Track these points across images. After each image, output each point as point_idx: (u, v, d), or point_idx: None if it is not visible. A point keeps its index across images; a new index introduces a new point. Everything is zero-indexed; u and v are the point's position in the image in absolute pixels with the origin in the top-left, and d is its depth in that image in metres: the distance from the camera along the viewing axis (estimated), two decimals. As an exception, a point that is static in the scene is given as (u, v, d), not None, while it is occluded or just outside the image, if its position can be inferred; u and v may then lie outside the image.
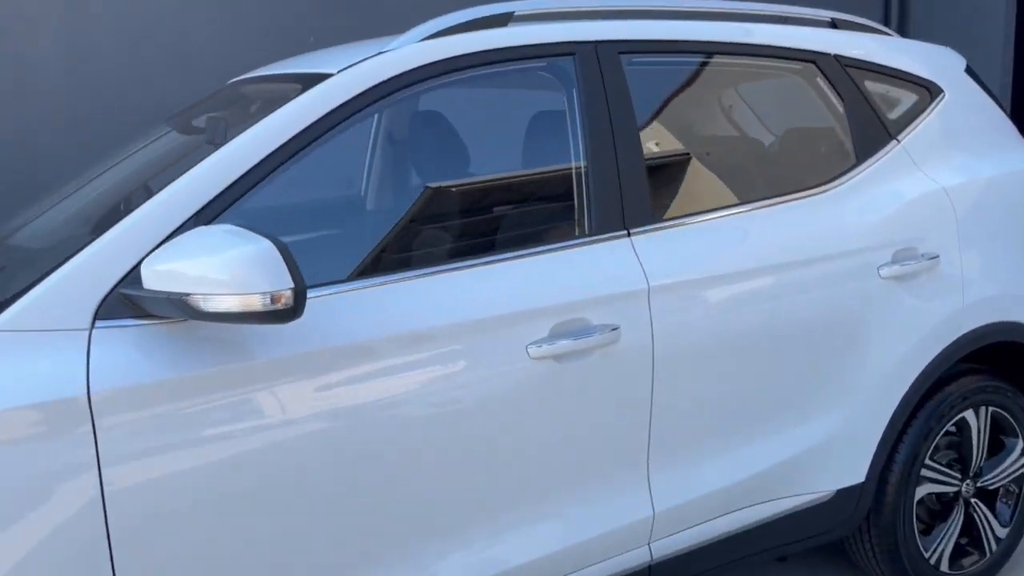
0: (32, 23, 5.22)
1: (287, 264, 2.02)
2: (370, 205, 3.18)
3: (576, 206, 2.72)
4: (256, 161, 2.33)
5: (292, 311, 2.03)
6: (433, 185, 2.80)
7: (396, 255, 2.62)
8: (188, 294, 2.02)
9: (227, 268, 2.01)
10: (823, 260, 2.95)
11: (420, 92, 2.65)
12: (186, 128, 3.07)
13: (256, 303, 2.00)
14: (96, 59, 5.22)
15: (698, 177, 3.03)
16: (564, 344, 2.52)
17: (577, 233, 2.70)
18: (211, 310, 2.02)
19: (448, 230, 2.72)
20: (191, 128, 3.06)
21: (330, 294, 2.31)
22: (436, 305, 2.40)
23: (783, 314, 2.88)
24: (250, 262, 2.01)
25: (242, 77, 3.24)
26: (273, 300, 2.00)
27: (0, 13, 5.06)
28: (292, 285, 2.01)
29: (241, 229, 2.07)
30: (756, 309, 2.83)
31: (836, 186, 3.07)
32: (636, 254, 2.68)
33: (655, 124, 3.00)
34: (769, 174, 3.17)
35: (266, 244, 2.02)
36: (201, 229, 2.13)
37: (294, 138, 2.38)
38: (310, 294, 2.26)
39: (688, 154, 3.08)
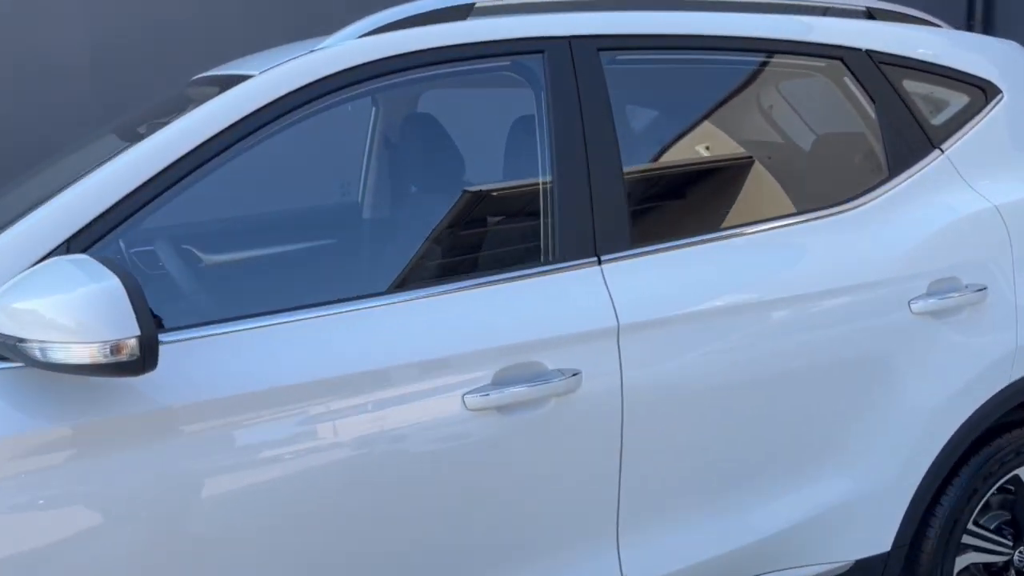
0: (57, 13, 5.09)
1: (135, 307, 1.69)
2: (282, 230, 2.83)
3: (540, 229, 2.33)
4: (146, 178, 2.02)
5: (140, 363, 1.70)
6: (365, 205, 2.45)
7: (311, 287, 2.28)
8: (23, 340, 1.72)
9: (66, 310, 1.70)
10: (841, 292, 2.50)
11: (360, 96, 2.29)
12: (130, 135, 2.78)
13: (96, 354, 1.68)
14: (120, 51, 5.07)
15: (694, 195, 2.62)
16: (510, 392, 2.14)
17: (541, 260, 2.32)
18: (49, 360, 1.71)
19: (378, 257, 2.36)
20: (135, 135, 2.77)
21: (222, 333, 1.98)
22: (352, 347, 2.05)
23: (789, 357, 2.45)
24: (91, 304, 1.69)
25: (201, 75, 2.94)
26: (114, 351, 1.68)
27: (24, 2, 4.94)
28: (137, 332, 1.68)
29: (92, 261, 1.76)
30: (754, 351, 2.41)
31: (863, 204, 2.61)
32: (606, 286, 2.28)
33: (643, 133, 2.59)
34: (782, 190, 2.74)
35: (112, 283, 1.70)
36: (54, 261, 1.83)
37: (194, 151, 2.06)
38: (192, 335, 1.94)
39: (682, 168, 2.66)
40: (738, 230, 2.49)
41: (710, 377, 2.35)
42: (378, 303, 2.11)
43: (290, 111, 2.16)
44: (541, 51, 2.38)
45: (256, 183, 2.35)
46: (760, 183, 2.68)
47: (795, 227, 2.53)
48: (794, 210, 2.58)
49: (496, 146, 2.50)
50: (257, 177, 2.28)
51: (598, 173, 2.34)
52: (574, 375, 2.20)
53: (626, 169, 2.40)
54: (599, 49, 2.42)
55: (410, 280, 2.26)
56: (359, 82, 2.24)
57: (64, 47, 5.01)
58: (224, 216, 2.53)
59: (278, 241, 2.68)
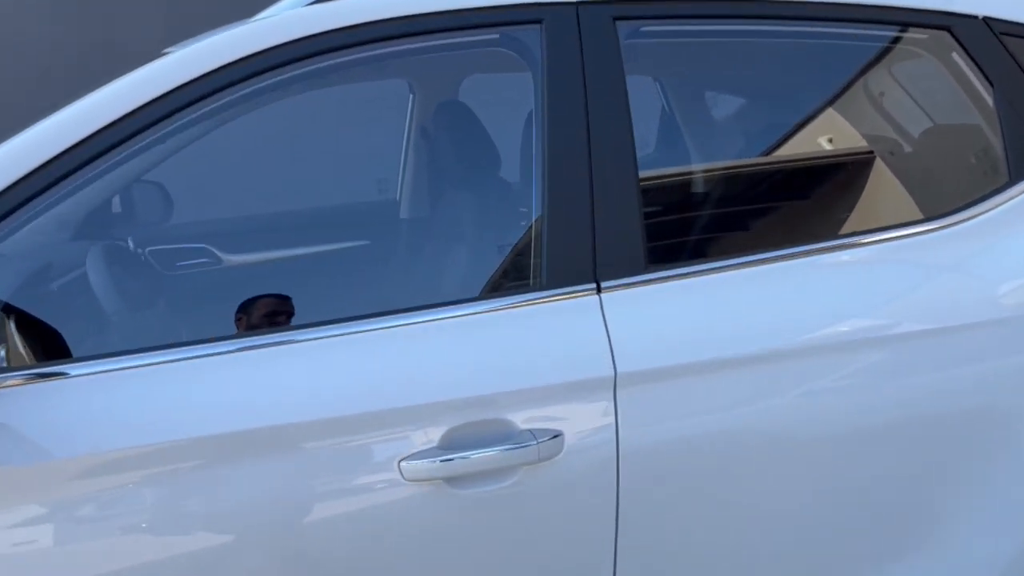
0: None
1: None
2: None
3: (531, 247, 1.84)
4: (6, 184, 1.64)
5: None
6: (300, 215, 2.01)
7: (208, 321, 1.86)
8: None
9: None
10: (931, 335, 1.90)
11: (303, 78, 1.86)
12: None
13: None
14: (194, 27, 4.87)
15: (738, 206, 2.06)
16: (464, 459, 1.66)
17: (531, 286, 1.82)
18: None
19: (308, 282, 1.92)
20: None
21: (107, 370, 1.59)
22: (248, 396, 1.61)
23: (857, 416, 1.87)
24: None
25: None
26: None
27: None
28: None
29: None
30: (802, 411, 1.84)
31: (968, 218, 1.99)
32: (604, 322, 1.76)
33: (674, 128, 2.05)
34: (856, 198, 2.14)
35: None
36: None
37: (71, 150, 1.67)
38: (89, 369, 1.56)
39: (721, 172, 2.10)
40: (798, 249, 1.92)
41: (740, 444, 1.79)
42: (293, 338, 1.66)
43: (206, 96, 1.74)
44: (539, 20, 1.88)
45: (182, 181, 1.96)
46: (834, 190, 2.10)
47: (875, 247, 1.94)
48: (878, 224, 1.99)
49: (470, 145, 2.00)
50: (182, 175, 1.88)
51: (604, 176, 1.82)
52: (553, 438, 1.69)
53: (644, 173, 1.88)
54: (616, 18, 1.90)
55: (344, 311, 1.80)
56: (301, 59, 1.80)
57: (136, 21, 4.83)
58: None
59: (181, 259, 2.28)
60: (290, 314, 1.91)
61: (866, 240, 1.95)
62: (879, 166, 2.27)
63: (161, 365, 1.61)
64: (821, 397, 1.86)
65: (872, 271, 1.92)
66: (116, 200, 2.44)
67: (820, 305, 1.87)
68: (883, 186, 2.24)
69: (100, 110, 1.70)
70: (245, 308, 1.89)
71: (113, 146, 1.68)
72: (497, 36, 1.92)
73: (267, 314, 1.89)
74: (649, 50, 1.98)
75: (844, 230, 2.21)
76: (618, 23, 1.89)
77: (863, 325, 1.89)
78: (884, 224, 2.00)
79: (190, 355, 1.60)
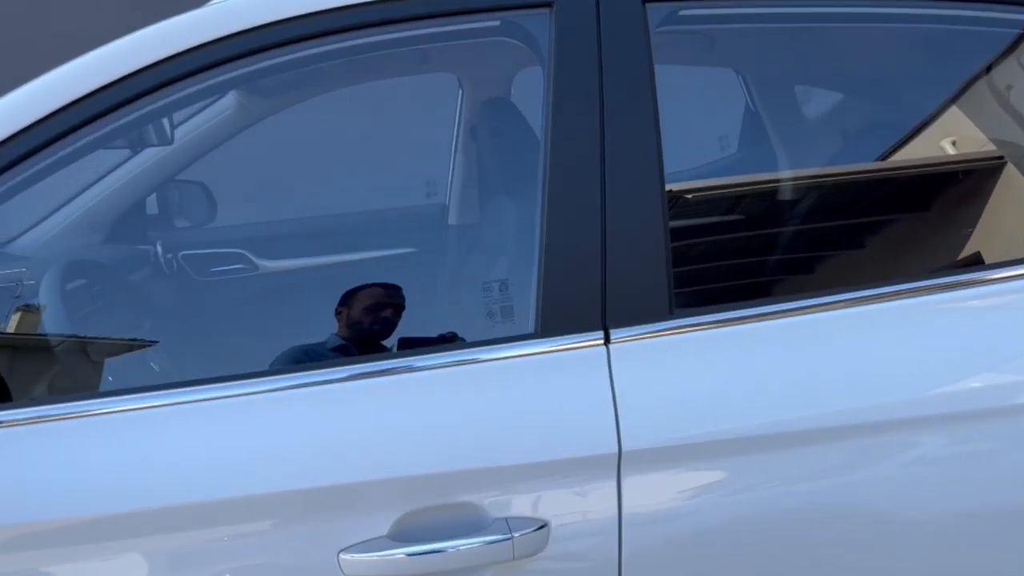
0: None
1: None
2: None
3: (520, 282, 1.49)
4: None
5: None
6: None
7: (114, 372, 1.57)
8: None
9: None
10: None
11: (263, 76, 1.57)
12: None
13: None
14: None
15: (795, 233, 1.65)
16: (420, 555, 1.32)
17: (519, 333, 1.47)
18: None
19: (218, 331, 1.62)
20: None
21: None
22: (154, 473, 1.32)
23: (956, 505, 1.45)
24: None
25: None
26: None
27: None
28: None
29: None
30: (892, 495, 1.43)
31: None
32: (611, 382, 1.39)
33: (716, 135, 1.66)
34: (947, 230, 1.70)
35: None
36: None
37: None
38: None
39: (774, 185, 1.70)
40: (871, 292, 1.50)
41: (786, 546, 1.40)
42: (214, 394, 1.35)
43: (142, 95, 1.47)
44: (548, 3, 1.53)
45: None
46: (920, 217, 1.67)
47: (972, 290, 1.51)
48: (975, 261, 1.56)
49: (459, 156, 1.66)
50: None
51: (620, 196, 1.45)
52: (537, 529, 1.34)
53: (676, 186, 1.51)
54: (645, 0, 1.53)
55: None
56: (257, 53, 1.51)
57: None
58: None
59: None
60: (398, 307, 1.67)
61: (994, 276, 1.51)
62: (1010, 177, 1.83)
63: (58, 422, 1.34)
64: (921, 478, 1.44)
65: (954, 322, 1.48)
66: (152, 201, 2.24)
67: (920, 364, 1.44)
68: (1016, 203, 1.80)
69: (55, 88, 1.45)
70: (346, 301, 1.67)
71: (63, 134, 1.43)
72: (497, 23, 1.58)
73: (370, 307, 1.66)
74: (691, 40, 1.60)
75: (958, 260, 1.78)
76: (649, 6, 1.52)
77: (986, 386, 1.45)
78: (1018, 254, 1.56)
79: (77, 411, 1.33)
